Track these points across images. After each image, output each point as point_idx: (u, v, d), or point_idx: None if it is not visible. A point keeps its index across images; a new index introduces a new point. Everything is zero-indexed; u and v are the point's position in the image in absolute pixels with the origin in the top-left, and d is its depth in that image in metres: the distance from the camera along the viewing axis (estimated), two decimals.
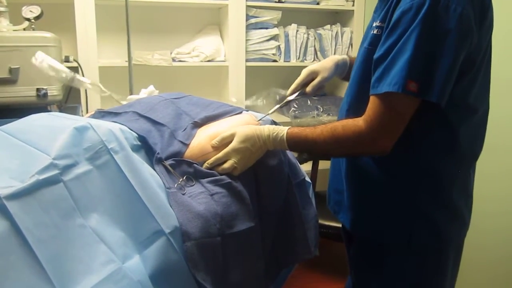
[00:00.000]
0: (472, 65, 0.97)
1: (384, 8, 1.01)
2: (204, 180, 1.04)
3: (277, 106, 1.25)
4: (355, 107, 1.08)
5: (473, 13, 0.91)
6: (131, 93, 1.97)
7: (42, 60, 1.31)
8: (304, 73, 1.26)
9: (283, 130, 1.07)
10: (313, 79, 1.25)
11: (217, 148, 1.08)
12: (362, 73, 1.05)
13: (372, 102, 0.97)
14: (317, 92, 1.27)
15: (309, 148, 1.08)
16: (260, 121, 1.21)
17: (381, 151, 0.99)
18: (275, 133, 1.06)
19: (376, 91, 0.95)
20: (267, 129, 1.08)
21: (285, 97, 1.27)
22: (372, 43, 1.02)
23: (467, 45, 0.93)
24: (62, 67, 1.35)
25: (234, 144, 1.06)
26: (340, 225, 1.38)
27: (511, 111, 1.75)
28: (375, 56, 0.97)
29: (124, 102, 1.46)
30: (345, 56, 1.30)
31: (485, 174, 1.36)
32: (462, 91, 0.97)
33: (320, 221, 1.35)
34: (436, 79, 0.91)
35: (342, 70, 1.29)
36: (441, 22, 0.89)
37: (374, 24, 1.04)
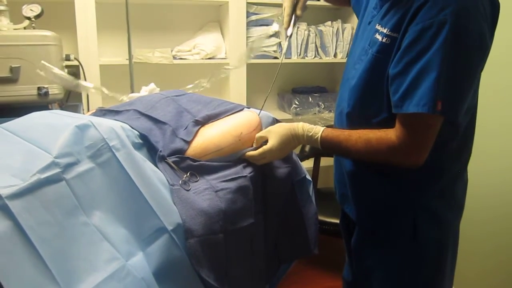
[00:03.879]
0: (479, 74, 1.00)
1: (394, 16, 0.99)
2: (209, 177, 1.04)
3: (286, 43, 1.31)
4: (358, 111, 1.09)
5: (487, 30, 0.93)
6: (132, 91, 1.97)
7: (46, 69, 1.33)
8: (287, 1, 1.26)
9: (318, 132, 1.09)
10: (297, 2, 1.27)
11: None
12: (369, 78, 1.05)
13: (401, 120, 0.98)
14: (304, 11, 1.28)
15: (341, 153, 1.14)
16: (260, 117, 1.21)
17: (414, 164, 1.00)
18: (310, 133, 1.09)
19: (402, 110, 0.95)
20: (301, 128, 1.10)
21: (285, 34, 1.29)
22: (380, 51, 1.01)
23: (484, 61, 0.96)
24: (66, 75, 1.38)
25: (270, 145, 1.10)
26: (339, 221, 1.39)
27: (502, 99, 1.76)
28: (392, 71, 0.97)
29: (126, 99, 1.47)
30: None
31: (479, 169, 1.37)
32: None
33: (320, 218, 1.36)
34: (458, 98, 0.93)
35: None
36: (463, 42, 0.90)
37: (379, 29, 1.02)
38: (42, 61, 1.34)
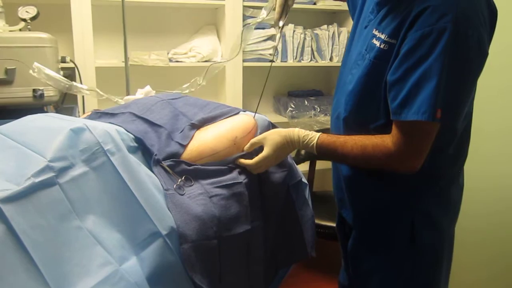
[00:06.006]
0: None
1: (392, 22, 0.98)
2: (204, 182, 1.04)
3: (278, 35, 1.28)
4: (355, 116, 1.09)
5: (486, 35, 0.93)
6: (127, 94, 1.96)
7: (39, 70, 1.32)
8: None
9: (313, 138, 1.08)
10: None
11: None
12: (366, 84, 1.05)
13: (398, 127, 0.97)
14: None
15: (337, 160, 1.14)
16: (256, 120, 1.21)
17: (410, 170, 0.99)
18: (305, 141, 1.09)
19: (401, 118, 0.95)
20: (296, 134, 1.10)
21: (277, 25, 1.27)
22: (378, 57, 1.01)
23: (482, 67, 0.96)
24: (59, 77, 1.36)
25: (265, 153, 1.09)
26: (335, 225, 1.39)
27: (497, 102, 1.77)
28: (390, 78, 0.96)
29: (122, 102, 1.46)
30: None
31: (475, 174, 1.37)
32: None
33: (317, 221, 1.36)
34: (457, 105, 0.93)
35: None
36: (463, 50, 0.90)
37: (377, 34, 1.02)
38: (35, 63, 1.32)
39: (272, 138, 1.11)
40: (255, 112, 1.23)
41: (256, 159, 1.09)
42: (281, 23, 1.26)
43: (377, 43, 1.01)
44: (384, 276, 1.14)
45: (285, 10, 1.26)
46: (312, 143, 1.08)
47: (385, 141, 0.99)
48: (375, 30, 1.03)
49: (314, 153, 1.09)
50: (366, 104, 1.05)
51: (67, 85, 1.36)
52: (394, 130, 0.98)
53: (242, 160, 1.11)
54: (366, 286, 1.18)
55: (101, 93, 1.44)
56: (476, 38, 0.90)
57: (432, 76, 0.89)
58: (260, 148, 1.11)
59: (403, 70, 0.93)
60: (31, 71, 1.31)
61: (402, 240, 1.10)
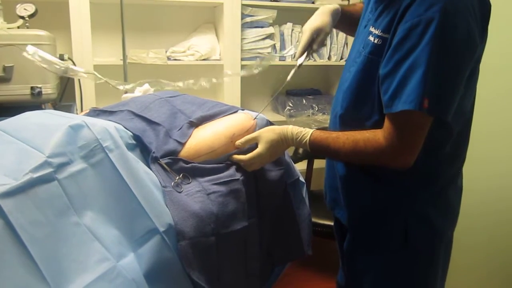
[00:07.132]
0: (471, 76, 0.99)
1: (386, 17, 0.99)
2: (201, 179, 1.05)
3: (292, 71, 1.26)
4: (351, 113, 1.09)
5: (477, 29, 0.93)
6: (125, 92, 1.96)
7: (34, 53, 1.29)
8: (308, 33, 1.22)
9: (306, 135, 1.08)
10: (316, 37, 1.23)
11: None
12: (361, 80, 1.05)
13: (390, 120, 0.97)
14: (321, 47, 1.26)
15: (330, 156, 1.14)
16: (256, 120, 1.21)
17: (402, 166, 0.99)
18: (299, 138, 1.09)
19: (391, 110, 0.95)
20: (290, 131, 1.10)
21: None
22: (373, 52, 1.01)
23: (473, 60, 0.95)
24: (54, 59, 1.33)
25: (259, 150, 1.09)
26: (332, 223, 1.39)
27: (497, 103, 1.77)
28: (382, 71, 0.97)
29: (121, 87, 1.45)
30: (337, 6, 1.28)
31: (473, 175, 1.37)
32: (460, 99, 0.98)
33: (314, 220, 1.36)
34: (445, 96, 0.93)
35: (335, 20, 1.27)
36: (450, 39, 0.89)
37: (372, 30, 1.03)
38: (29, 46, 1.29)
39: (266, 135, 1.11)
40: (259, 113, 1.23)
41: (249, 155, 1.09)
42: (299, 61, 1.24)
43: (372, 39, 1.02)
44: (379, 276, 1.14)
45: (308, 51, 1.24)
46: (305, 140, 1.08)
47: (377, 135, 0.99)
48: (372, 27, 1.04)
49: (308, 150, 1.09)
50: (362, 100, 1.05)
51: (62, 68, 1.32)
52: (385, 124, 0.98)
53: (236, 156, 1.11)
54: (361, 286, 1.18)
55: (98, 75, 1.41)
56: (466, 29, 0.90)
57: (420, 66, 0.89)
58: (256, 146, 1.12)
59: (393, 63, 0.94)
60: (24, 53, 1.28)
61: (396, 241, 1.09)
